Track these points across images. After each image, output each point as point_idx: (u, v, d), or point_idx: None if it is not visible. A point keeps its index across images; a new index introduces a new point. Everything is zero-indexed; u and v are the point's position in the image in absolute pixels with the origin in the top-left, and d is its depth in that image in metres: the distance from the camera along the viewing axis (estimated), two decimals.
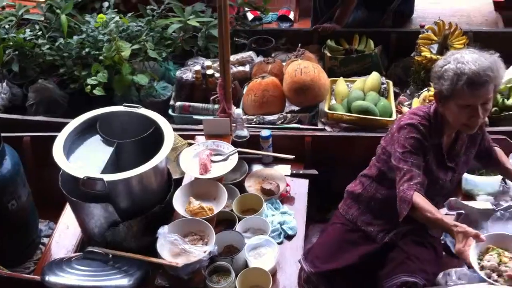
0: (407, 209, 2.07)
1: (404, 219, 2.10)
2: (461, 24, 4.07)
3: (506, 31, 4.07)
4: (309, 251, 2.39)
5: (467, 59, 1.99)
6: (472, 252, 1.95)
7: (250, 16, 4.71)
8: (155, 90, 3.47)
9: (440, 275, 2.26)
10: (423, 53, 3.32)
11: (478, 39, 3.66)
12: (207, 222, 2.25)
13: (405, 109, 3.17)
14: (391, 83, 3.37)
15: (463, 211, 2.49)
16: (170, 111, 3.33)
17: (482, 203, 2.57)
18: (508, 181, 2.67)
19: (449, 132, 2.20)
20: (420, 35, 3.44)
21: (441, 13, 4.15)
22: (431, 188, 2.22)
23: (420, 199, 2.05)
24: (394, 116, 3.08)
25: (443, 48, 3.33)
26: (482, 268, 1.97)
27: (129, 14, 3.58)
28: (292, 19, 5.06)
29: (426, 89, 3.20)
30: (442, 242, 2.45)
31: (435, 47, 3.41)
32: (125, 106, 2.33)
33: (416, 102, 3.17)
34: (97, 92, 3.14)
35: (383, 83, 3.35)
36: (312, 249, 2.39)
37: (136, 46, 3.32)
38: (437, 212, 2.05)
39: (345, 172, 2.96)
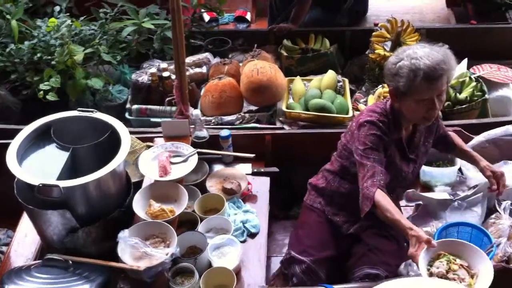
0: (369, 206, 2.12)
1: (366, 214, 2.16)
2: (414, 21, 4.24)
3: (458, 27, 4.24)
4: (297, 244, 2.42)
5: (420, 54, 2.04)
6: (422, 257, 1.95)
7: (207, 17, 4.73)
8: (111, 94, 3.45)
9: (402, 266, 2.32)
10: (376, 51, 3.41)
11: (431, 36, 3.78)
12: (168, 224, 2.25)
13: (361, 106, 3.26)
14: (347, 81, 3.45)
15: (421, 202, 2.57)
16: (127, 115, 3.31)
17: (439, 193, 2.65)
18: (464, 172, 2.78)
19: (407, 125, 2.27)
20: (374, 33, 3.53)
21: (394, 10, 4.31)
22: (394, 180, 2.28)
23: (381, 198, 2.09)
24: (350, 113, 3.16)
25: (396, 45, 3.43)
26: (430, 274, 1.98)
27: (82, 18, 3.54)
28: (249, 19, 5.10)
29: (380, 86, 3.29)
30: None
31: (388, 44, 3.51)
32: (79, 111, 2.30)
33: (371, 99, 3.26)
34: (50, 97, 3.09)
35: (339, 81, 3.43)
36: (301, 241, 2.42)
37: (89, 50, 3.28)
38: (396, 213, 2.08)
39: (306, 169, 3.03)
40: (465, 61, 3.41)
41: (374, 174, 2.13)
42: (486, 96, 3.23)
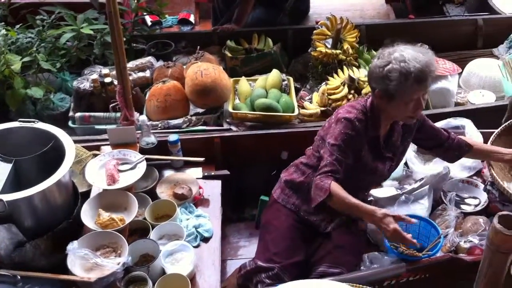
0: (322, 196, 2.20)
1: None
2: (355, 17, 4.40)
3: (396, 22, 4.41)
4: (263, 253, 2.44)
5: (408, 57, 2.12)
6: None
7: (150, 21, 4.74)
8: (52, 103, 3.40)
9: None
10: (318, 48, 3.51)
11: (371, 32, 3.96)
12: (118, 233, 2.25)
13: (306, 104, 3.35)
14: (291, 79, 3.54)
15: (371, 199, 2.67)
16: (70, 123, 3.29)
17: (387, 189, 2.75)
18: (410, 166, 2.87)
19: (385, 124, 2.35)
20: (314, 31, 3.63)
21: (336, 8, 4.42)
22: (369, 177, 2.39)
23: (337, 188, 2.20)
24: (296, 111, 3.25)
25: (337, 42, 3.55)
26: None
27: (18, 26, 3.50)
28: (193, 22, 5.14)
29: (324, 83, 3.40)
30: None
31: (330, 41, 3.62)
32: (20, 121, 2.28)
33: (316, 96, 3.37)
34: None
35: (284, 80, 3.51)
36: (268, 249, 2.43)
37: (27, 59, 3.24)
38: (354, 199, 2.20)
39: (256, 169, 3.12)
40: None
41: (332, 171, 2.23)
42: None
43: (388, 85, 2.15)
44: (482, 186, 2.70)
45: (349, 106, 2.36)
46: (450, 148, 2.54)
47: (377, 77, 2.19)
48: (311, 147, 2.53)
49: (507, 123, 2.70)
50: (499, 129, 2.68)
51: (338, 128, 2.27)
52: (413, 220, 2.22)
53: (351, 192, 2.25)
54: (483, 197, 2.66)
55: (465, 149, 2.55)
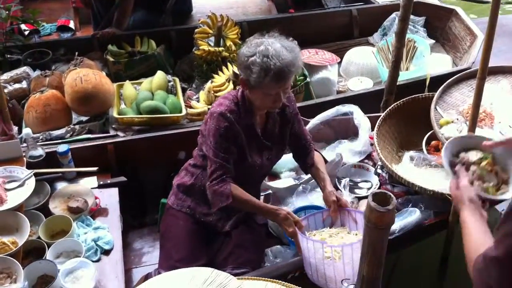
0: (226, 201, 2.26)
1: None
2: (238, 15, 4.50)
3: (277, 17, 4.59)
4: (165, 261, 2.41)
5: (272, 53, 2.14)
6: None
7: (26, 30, 4.57)
8: None
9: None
10: (201, 47, 3.57)
11: (253, 28, 4.06)
12: (11, 258, 2.13)
13: (193, 103, 3.39)
14: (177, 79, 3.56)
15: (270, 191, 2.75)
16: None
17: (285, 180, 2.84)
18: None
19: (260, 113, 2.39)
20: (196, 30, 3.69)
21: (219, 6, 4.51)
22: (251, 171, 2.42)
23: (237, 191, 2.27)
24: (184, 112, 3.28)
25: (219, 39, 3.63)
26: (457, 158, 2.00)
27: None
28: (73, 28, 5.01)
29: (210, 81, 3.46)
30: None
31: (213, 39, 3.70)
32: None
33: (202, 94, 3.42)
34: None
35: (170, 81, 3.53)
36: (170, 256, 2.41)
37: None
38: (255, 199, 2.30)
39: (154, 173, 3.10)
40: None
41: (224, 173, 2.28)
42: (308, 79, 3.54)
43: (249, 75, 2.20)
44: (372, 169, 2.83)
45: (221, 98, 2.39)
46: (304, 154, 2.58)
47: (242, 65, 2.23)
48: (196, 148, 2.55)
49: (390, 107, 2.89)
50: (384, 113, 2.87)
51: (213, 124, 2.30)
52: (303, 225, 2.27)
53: (242, 187, 2.32)
54: (375, 180, 2.78)
55: (308, 163, 2.58)
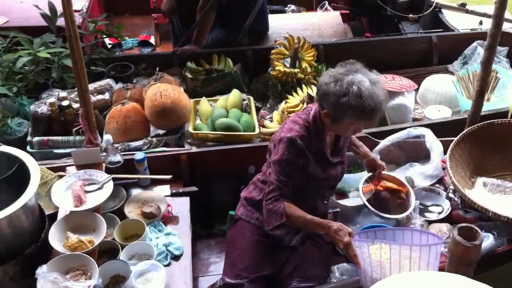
0: (279, 220, 2.34)
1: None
2: (314, 37, 4.56)
3: (353, 40, 4.63)
4: (230, 270, 2.48)
5: (365, 94, 2.19)
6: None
7: (110, 43, 4.84)
8: (10, 128, 3.43)
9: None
10: (277, 68, 3.67)
11: (328, 51, 4.15)
12: (88, 256, 2.26)
13: (267, 123, 3.48)
14: (252, 98, 3.67)
15: (338, 209, 2.80)
16: (28, 148, 3.30)
17: (353, 200, 2.87)
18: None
19: (330, 133, 2.47)
20: (273, 51, 3.80)
21: (294, 28, 4.57)
22: (321, 183, 2.50)
23: (291, 209, 2.34)
24: (257, 130, 3.38)
25: (295, 60, 3.72)
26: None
27: None
28: (154, 43, 5.25)
29: (284, 101, 3.55)
30: None
31: (288, 60, 3.78)
32: None
33: (276, 115, 3.51)
34: None
35: (244, 99, 3.64)
36: (234, 265, 2.47)
37: None
38: (307, 215, 2.34)
39: (224, 185, 3.18)
40: None
41: (280, 194, 2.36)
42: None
43: (340, 115, 2.26)
44: (444, 193, 2.84)
45: (291, 122, 2.42)
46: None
47: (331, 104, 2.26)
48: (266, 163, 2.62)
49: (464, 132, 2.87)
50: (457, 137, 2.85)
51: (281, 148, 2.35)
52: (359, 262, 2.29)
53: (310, 203, 2.39)
54: (446, 205, 2.79)
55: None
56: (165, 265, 2.48)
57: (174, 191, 2.93)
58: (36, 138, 3.33)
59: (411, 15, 4.73)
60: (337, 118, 2.29)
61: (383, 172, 2.75)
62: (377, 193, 2.74)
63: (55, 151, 3.26)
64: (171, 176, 2.89)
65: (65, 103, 3.36)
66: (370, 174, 2.78)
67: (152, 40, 5.26)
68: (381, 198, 2.75)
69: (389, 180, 2.77)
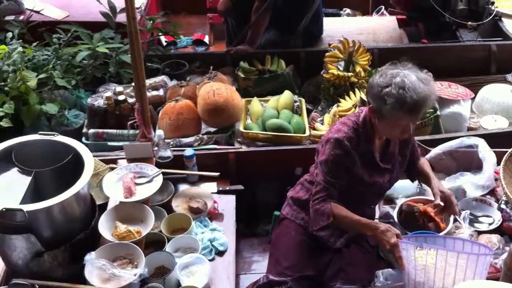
0: (326, 221, 2.34)
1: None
2: (368, 41, 4.52)
3: (409, 46, 4.56)
4: (274, 268, 2.50)
5: (408, 85, 2.15)
6: None
7: (165, 41, 4.94)
8: (67, 119, 3.56)
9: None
10: (330, 71, 3.67)
11: (383, 55, 4.10)
12: (135, 245, 2.34)
13: (317, 125, 3.49)
14: (303, 100, 3.69)
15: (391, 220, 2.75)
16: (83, 139, 3.41)
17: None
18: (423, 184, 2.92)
19: (380, 136, 2.44)
20: (327, 54, 3.79)
21: (349, 31, 4.54)
22: (368, 190, 2.48)
23: (338, 209, 2.33)
24: (307, 132, 3.39)
25: (349, 64, 3.71)
26: None
27: (35, 44, 3.68)
28: (207, 42, 5.34)
29: (336, 104, 3.54)
30: None
31: (342, 64, 3.78)
32: (40, 134, 2.39)
33: (327, 118, 3.51)
34: (4, 124, 3.18)
35: (296, 101, 3.66)
36: (279, 263, 2.50)
37: (43, 75, 3.39)
38: (355, 215, 2.34)
39: (270, 185, 3.23)
40: None
41: (327, 195, 2.36)
42: (438, 112, 3.50)
43: (382, 106, 2.22)
44: (495, 205, 2.79)
45: (340, 123, 2.42)
46: (412, 164, 2.66)
47: (374, 95, 2.25)
48: (314, 164, 2.61)
49: None
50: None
51: (328, 149, 2.35)
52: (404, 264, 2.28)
53: (356, 207, 2.38)
54: (497, 216, 2.73)
55: (415, 171, 2.69)
56: (209, 260, 2.53)
57: (221, 188, 2.99)
58: (91, 130, 3.44)
59: (470, 23, 4.64)
60: (379, 111, 2.25)
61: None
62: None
63: (109, 143, 3.37)
64: (219, 173, 2.96)
65: (121, 97, 3.46)
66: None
67: (206, 39, 5.34)
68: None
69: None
